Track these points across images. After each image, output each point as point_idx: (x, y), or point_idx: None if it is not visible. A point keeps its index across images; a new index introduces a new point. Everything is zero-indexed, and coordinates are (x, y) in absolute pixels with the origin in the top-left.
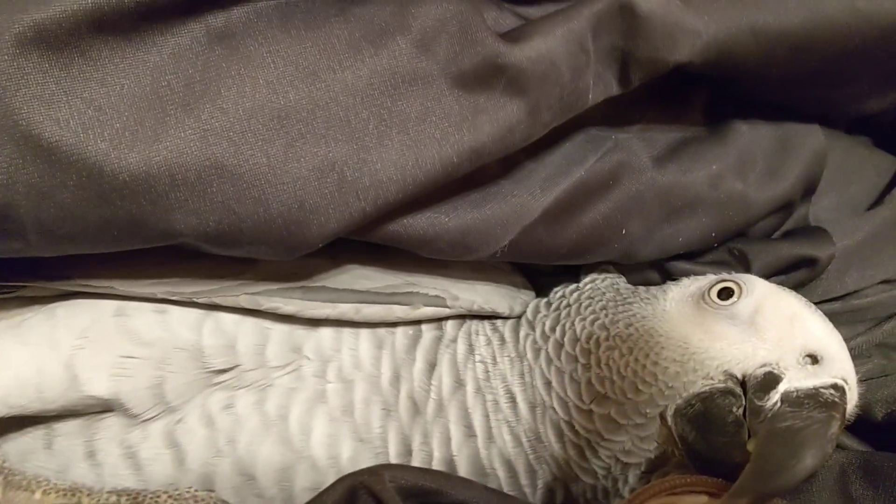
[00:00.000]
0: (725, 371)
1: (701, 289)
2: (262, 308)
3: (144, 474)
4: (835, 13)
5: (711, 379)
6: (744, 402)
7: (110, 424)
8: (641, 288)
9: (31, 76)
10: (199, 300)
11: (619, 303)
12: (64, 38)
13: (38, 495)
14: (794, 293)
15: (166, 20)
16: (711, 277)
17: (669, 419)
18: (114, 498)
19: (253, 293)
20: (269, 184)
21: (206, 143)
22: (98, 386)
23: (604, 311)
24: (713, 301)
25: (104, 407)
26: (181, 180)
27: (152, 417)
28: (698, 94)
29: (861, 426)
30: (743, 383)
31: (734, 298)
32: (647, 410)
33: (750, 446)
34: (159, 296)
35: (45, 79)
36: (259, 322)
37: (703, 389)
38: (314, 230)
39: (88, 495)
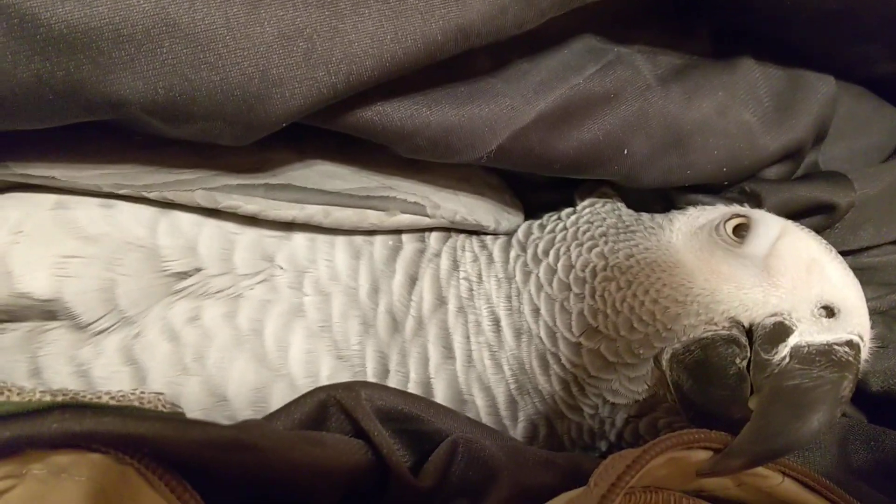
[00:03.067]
0: (731, 318)
1: (712, 221)
2: (219, 206)
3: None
4: None
5: (715, 325)
6: (748, 354)
7: (57, 338)
8: (645, 215)
9: None
10: (150, 195)
11: (620, 230)
12: None
13: None
14: (814, 235)
15: None
16: (723, 209)
17: (664, 363)
18: (48, 396)
19: (210, 188)
20: (227, 48)
21: None
22: (36, 284)
23: (603, 238)
24: (726, 236)
25: (46, 312)
26: (127, 36)
27: (106, 329)
28: (703, 25)
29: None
30: (749, 332)
31: (748, 236)
32: (641, 351)
33: (752, 403)
34: (105, 189)
35: None
36: (222, 225)
37: (704, 335)
38: (277, 105)
39: (18, 394)
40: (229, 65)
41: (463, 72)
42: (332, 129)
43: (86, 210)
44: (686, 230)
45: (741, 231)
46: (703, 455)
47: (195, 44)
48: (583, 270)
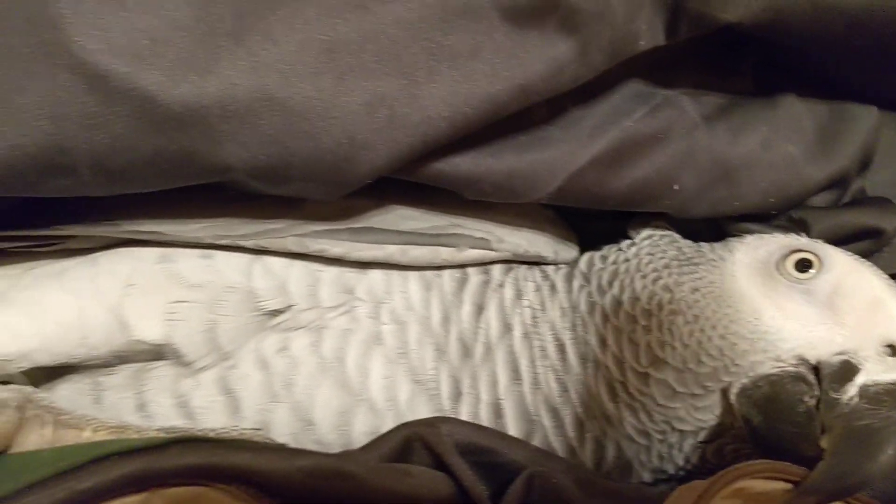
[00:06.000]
0: (798, 355)
1: (772, 254)
2: (309, 251)
3: (198, 423)
4: None
5: (782, 362)
6: (816, 392)
7: (161, 375)
8: (705, 246)
9: (88, 5)
10: (246, 244)
11: (682, 262)
12: None
13: (87, 433)
14: (876, 271)
15: None
16: (781, 241)
17: (733, 397)
18: (162, 434)
19: (299, 235)
20: (319, 117)
21: (257, 74)
22: (150, 331)
23: (666, 270)
24: (788, 272)
25: (155, 354)
26: (232, 112)
27: (207, 366)
28: (747, 62)
29: None
30: (815, 369)
31: (812, 272)
32: (708, 384)
33: (824, 443)
34: (206, 240)
35: (100, 8)
36: (308, 265)
37: (772, 372)
38: (364, 166)
39: (137, 432)
40: (321, 132)
41: (523, 122)
42: (408, 179)
43: (187, 261)
44: (747, 261)
45: (803, 266)
46: (768, 486)
47: (291, 114)
48: (649, 303)
